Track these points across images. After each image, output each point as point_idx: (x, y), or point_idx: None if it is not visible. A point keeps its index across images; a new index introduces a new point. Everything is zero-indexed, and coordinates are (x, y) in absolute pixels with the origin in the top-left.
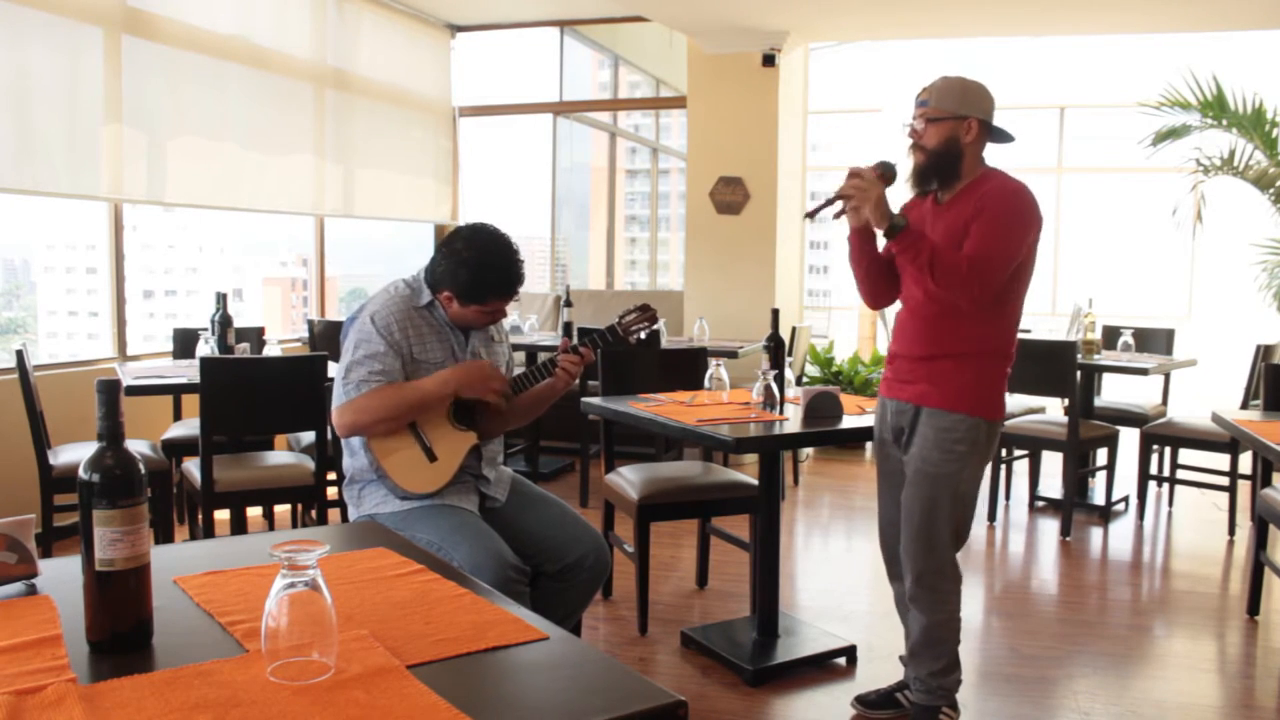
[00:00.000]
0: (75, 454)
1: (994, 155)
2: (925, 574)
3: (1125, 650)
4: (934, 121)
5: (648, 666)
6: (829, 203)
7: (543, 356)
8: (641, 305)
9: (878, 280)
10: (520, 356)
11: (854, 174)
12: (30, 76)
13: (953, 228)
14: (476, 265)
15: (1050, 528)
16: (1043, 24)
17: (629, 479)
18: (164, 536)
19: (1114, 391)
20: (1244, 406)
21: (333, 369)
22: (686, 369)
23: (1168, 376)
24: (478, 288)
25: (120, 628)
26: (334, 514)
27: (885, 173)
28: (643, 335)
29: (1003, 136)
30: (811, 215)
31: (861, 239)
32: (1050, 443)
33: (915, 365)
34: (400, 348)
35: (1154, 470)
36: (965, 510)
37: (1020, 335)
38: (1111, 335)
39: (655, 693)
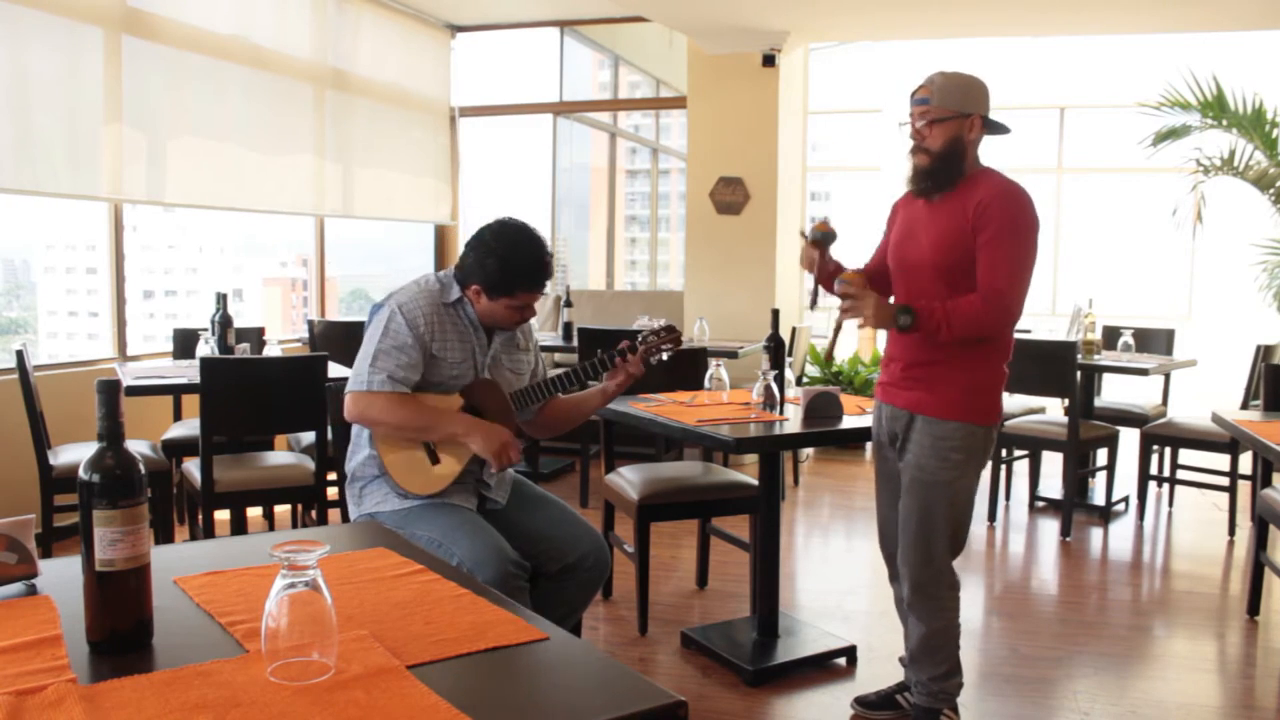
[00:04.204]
0: (75, 454)
1: (998, 150)
2: (923, 582)
3: (1125, 650)
4: (938, 121)
5: (648, 666)
6: (817, 286)
7: (554, 374)
8: (667, 326)
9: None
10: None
11: (843, 295)
12: (30, 76)
13: (946, 230)
14: (505, 257)
15: (1050, 528)
16: (1043, 24)
17: (629, 479)
18: (164, 536)
19: (1114, 392)
20: (1244, 406)
21: (333, 369)
22: (686, 369)
23: (1168, 377)
24: (506, 279)
25: (120, 628)
26: (334, 514)
27: (824, 238)
28: (664, 357)
29: (1000, 129)
30: (813, 303)
31: (828, 286)
32: (1050, 443)
33: (911, 370)
34: (423, 341)
35: (1154, 470)
36: (962, 518)
37: (1020, 335)
38: (1111, 335)
39: (655, 693)
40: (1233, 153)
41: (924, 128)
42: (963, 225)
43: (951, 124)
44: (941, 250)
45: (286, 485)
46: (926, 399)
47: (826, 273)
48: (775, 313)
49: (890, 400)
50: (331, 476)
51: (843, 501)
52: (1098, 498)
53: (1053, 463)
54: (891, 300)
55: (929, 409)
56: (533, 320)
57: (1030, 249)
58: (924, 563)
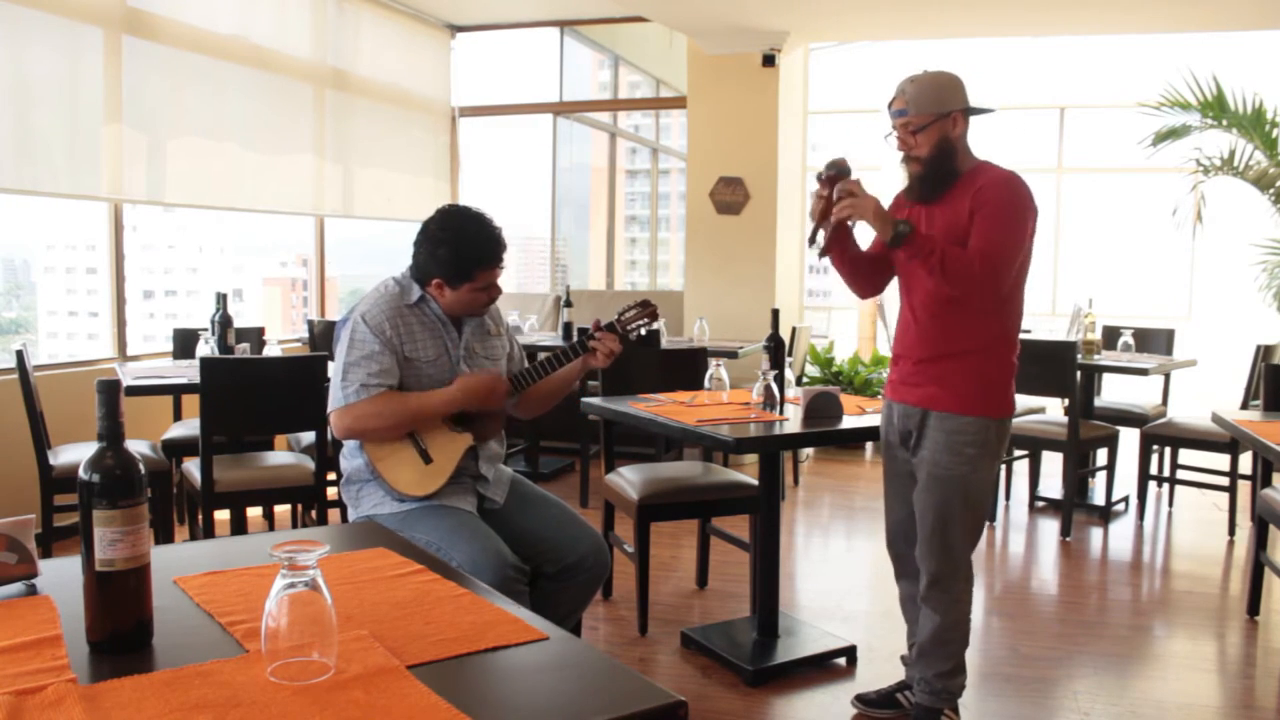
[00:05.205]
0: (75, 454)
1: (999, 152)
2: (941, 576)
3: (1125, 650)
4: (921, 129)
5: (648, 666)
6: (818, 227)
7: (543, 356)
8: (642, 301)
9: (865, 275)
10: None
11: (844, 194)
12: (30, 76)
13: (951, 224)
14: (454, 243)
15: (1050, 528)
16: (1043, 24)
17: (629, 479)
18: (164, 536)
19: (1114, 392)
20: (1244, 406)
21: (333, 369)
22: (686, 369)
23: (1168, 377)
24: (462, 263)
25: (120, 628)
26: (334, 514)
27: (839, 173)
28: (643, 332)
29: (982, 111)
30: (813, 240)
31: (840, 246)
32: (1050, 443)
33: (921, 367)
34: (393, 345)
35: (1154, 470)
36: (978, 511)
37: (1020, 335)
38: (1111, 335)
39: (655, 693)
40: (1233, 153)
41: (909, 138)
42: (964, 217)
43: (933, 128)
44: (949, 241)
45: (286, 485)
46: (940, 394)
47: (832, 225)
48: (775, 313)
49: (902, 398)
50: (331, 476)
51: (843, 501)
52: (1098, 498)
53: (1053, 463)
54: (894, 300)
55: (942, 404)
56: (529, 320)
57: (1022, 229)
58: (943, 556)
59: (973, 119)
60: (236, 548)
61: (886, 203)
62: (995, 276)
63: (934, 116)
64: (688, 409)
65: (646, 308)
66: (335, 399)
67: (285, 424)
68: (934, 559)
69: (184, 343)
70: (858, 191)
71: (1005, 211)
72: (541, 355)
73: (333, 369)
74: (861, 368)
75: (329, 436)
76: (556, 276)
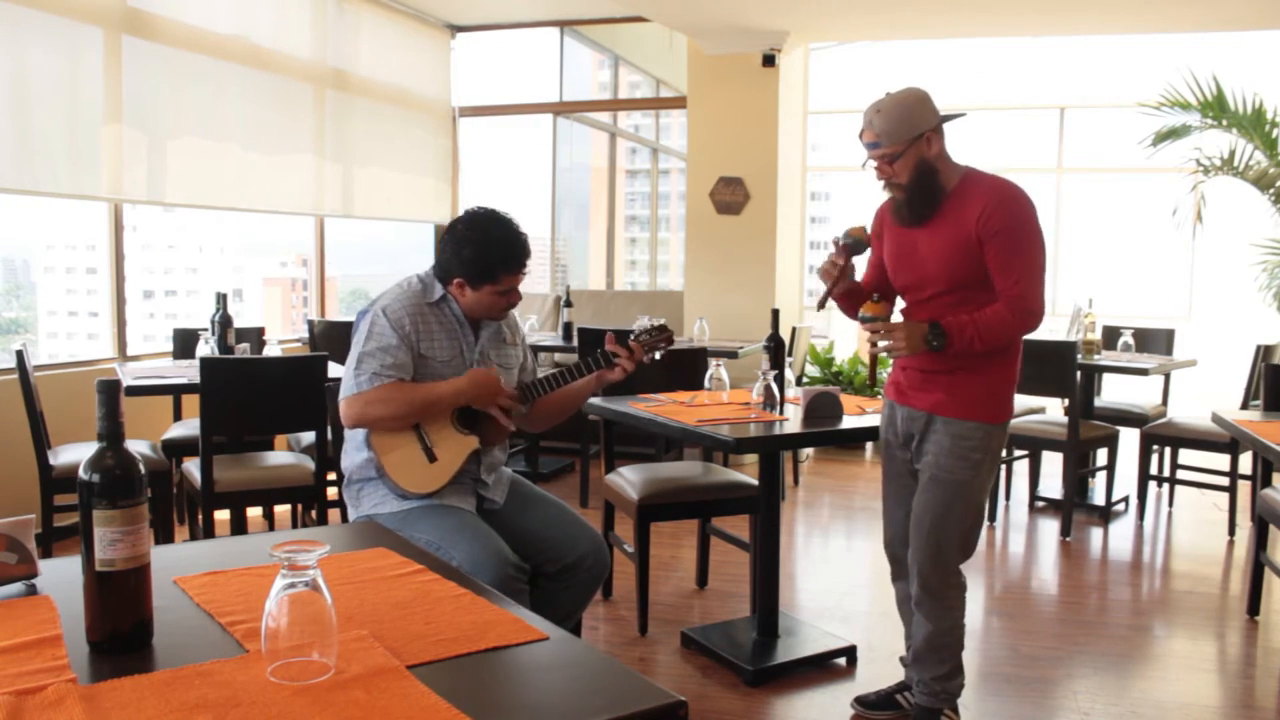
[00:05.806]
0: (75, 454)
1: (1000, 151)
2: (932, 582)
3: (1125, 650)
4: (897, 158)
5: (648, 666)
6: (829, 293)
7: (557, 369)
8: (660, 325)
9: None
10: None
11: (879, 330)
12: (30, 76)
13: (950, 251)
14: (480, 242)
15: (1050, 528)
16: (1043, 24)
17: (629, 479)
18: (164, 536)
19: (1114, 392)
20: (1244, 406)
21: (333, 369)
22: (686, 369)
23: (1168, 377)
24: (486, 265)
25: (120, 628)
26: (334, 514)
27: (856, 244)
28: (657, 356)
29: (953, 118)
30: (823, 304)
31: (847, 302)
32: (1050, 443)
33: (928, 376)
34: (410, 341)
35: (1154, 470)
36: (976, 517)
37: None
38: (1111, 335)
39: (655, 693)
40: (1233, 153)
41: (886, 167)
42: (967, 240)
43: (909, 153)
44: (952, 272)
45: (286, 485)
46: (945, 400)
47: (844, 284)
48: (775, 313)
49: (906, 402)
50: (331, 476)
51: (843, 501)
52: (1098, 498)
53: (1053, 463)
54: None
55: (948, 410)
56: (528, 320)
57: (1040, 247)
58: (934, 561)
59: (972, 119)
60: (236, 548)
61: (872, 212)
62: (1032, 316)
63: (907, 142)
64: (688, 409)
65: (664, 332)
66: (347, 387)
67: (285, 424)
68: (926, 565)
69: (184, 343)
70: (883, 326)
71: (1021, 241)
72: (549, 370)
73: (348, 359)
74: (861, 368)
75: (329, 436)
76: (556, 276)
